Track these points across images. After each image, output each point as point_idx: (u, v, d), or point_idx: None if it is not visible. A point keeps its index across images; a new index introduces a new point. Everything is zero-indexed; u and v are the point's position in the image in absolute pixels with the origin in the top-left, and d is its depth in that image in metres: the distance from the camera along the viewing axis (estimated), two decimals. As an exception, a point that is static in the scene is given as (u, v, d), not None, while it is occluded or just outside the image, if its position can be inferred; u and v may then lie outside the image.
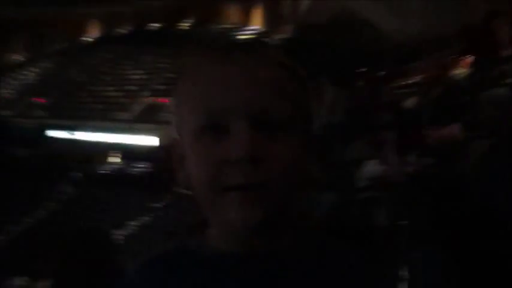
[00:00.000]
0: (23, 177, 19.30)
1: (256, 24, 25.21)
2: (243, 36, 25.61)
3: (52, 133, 21.97)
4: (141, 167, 17.79)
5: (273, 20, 23.61)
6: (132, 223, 14.16)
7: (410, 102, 5.38)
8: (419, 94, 6.17)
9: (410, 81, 7.97)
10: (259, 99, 0.52)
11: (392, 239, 1.82)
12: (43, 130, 22.43)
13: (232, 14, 26.50)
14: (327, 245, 0.64)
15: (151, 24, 30.03)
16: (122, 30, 31.46)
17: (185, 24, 29.20)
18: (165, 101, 18.07)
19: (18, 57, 34.04)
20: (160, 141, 15.66)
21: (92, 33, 32.66)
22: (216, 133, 0.52)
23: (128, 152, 18.48)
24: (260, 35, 24.50)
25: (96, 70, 27.89)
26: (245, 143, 0.50)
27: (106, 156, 19.68)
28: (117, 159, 20.01)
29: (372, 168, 3.66)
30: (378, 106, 5.22)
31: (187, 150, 0.55)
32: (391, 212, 2.13)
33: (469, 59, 6.43)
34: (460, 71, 6.40)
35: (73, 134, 21.23)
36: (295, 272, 0.57)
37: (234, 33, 26.19)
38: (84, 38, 32.35)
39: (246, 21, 25.73)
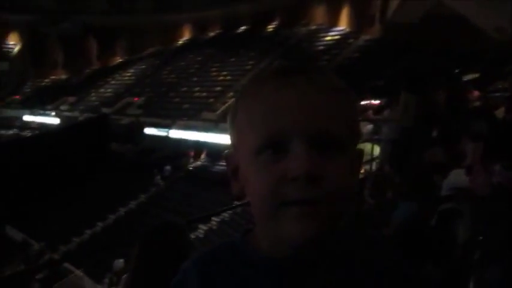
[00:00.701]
0: (121, 170, 20.97)
1: (343, 25, 24.73)
2: (329, 37, 25.28)
3: (147, 130, 23.49)
4: (224, 165, 18.28)
5: (360, 20, 22.99)
6: (214, 218, 14.70)
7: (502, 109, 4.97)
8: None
9: (506, 86, 7.25)
10: (317, 121, 0.56)
11: (467, 253, 1.75)
12: (138, 127, 24.09)
13: (319, 15, 26.24)
14: (374, 253, 0.64)
15: (239, 28, 30.95)
16: (211, 34, 32.84)
17: (271, 27, 29.63)
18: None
19: (119, 60, 37.16)
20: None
21: (183, 37, 34.54)
22: (275, 151, 0.56)
23: (213, 150, 19.16)
24: (347, 35, 23.99)
25: (185, 72, 29.39)
26: (304, 162, 0.54)
27: (194, 153, 20.60)
28: (203, 156, 20.90)
29: (456, 178, 3.48)
30: (466, 111, 4.89)
31: (245, 164, 0.59)
32: (470, 226, 2.04)
33: None
34: None
35: (164, 132, 22.55)
36: (342, 280, 0.59)
37: (321, 34, 25.95)
38: (176, 42, 34.34)
39: (332, 22, 25.35)
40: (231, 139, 0.63)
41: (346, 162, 0.58)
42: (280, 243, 0.58)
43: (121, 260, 13.44)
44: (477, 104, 6.16)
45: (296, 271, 0.58)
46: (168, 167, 19.90)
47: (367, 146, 7.73)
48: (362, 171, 7.73)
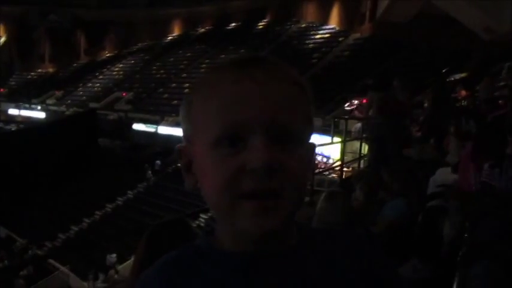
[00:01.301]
0: (109, 166, 20.82)
1: (333, 23, 24.82)
2: (319, 35, 25.35)
3: (135, 126, 23.37)
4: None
5: (350, 18, 23.09)
6: (203, 215, 14.69)
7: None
8: (507, 99, 5.73)
9: (498, 84, 7.31)
10: (277, 114, 0.55)
11: (453, 250, 1.74)
12: (127, 123, 23.94)
13: (310, 13, 26.31)
14: (335, 240, 0.65)
15: (230, 24, 30.88)
16: (201, 30, 32.71)
17: (262, 24, 29.62)
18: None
19: (108, 55, 36.82)
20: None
21: (174, 33, 34.35)
22: (232, 143, 0.55)
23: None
24: (337, 33, 24.08)
25: (175, 67, 29.26)
26: (263, 154, 0.54)
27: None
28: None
29: (443, 175, 3.50)
30: (456, 110, 4.94)
31: (200, 157, 0.58)
32: (456, 223, 2.04)
33: None
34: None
35: (153, 128, 22.44)
36: (304, 270, 0.59)
37: (312, 32, 26.04)
38: (166, 38, 34.13)
39: (323, 20, 25.44)
40: (184, 131, 0.62)
41: (303, 155, 0.58)
42: (240, 238, 0.58)
43: (113, 255, 13.39)
44: (465, 103, 6.22)
45: (261, 265, 0.58)
46: (158, 162, 19.87)
47: (355, 144, 7.77)
48: (349, 169, 7.78)
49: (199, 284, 0.58)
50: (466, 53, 14.76)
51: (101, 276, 12.76)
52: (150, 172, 19.40)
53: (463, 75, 10.63)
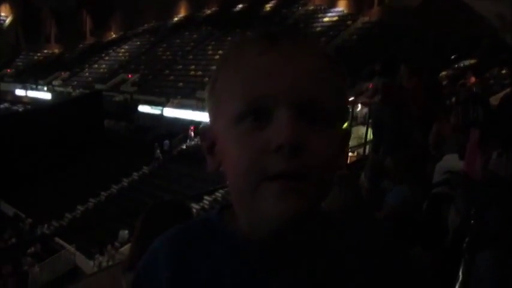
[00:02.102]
0: (114, 148, 20.92)
1: (341, 7, 24.45)
2: (327, 18, 25.01)
3: (140, 108, 23.37)
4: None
5: (359, 2, 22.72)
6: (207, 197, 14.78)
7: (501, 96, 4.95)
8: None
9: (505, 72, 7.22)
10: (306, 87, 0.50)
11: (458, 237, 1.75)
12: (132, 105, 23.95)
13: (317, -5, 25.92)
14: (356, 237, 0.59)
15: (237, 6, 30.51)
16: (208, 11, 32.38)
17: (269, 6, 29.25)
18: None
19: (114, 36, 36.64)
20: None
21: (180, 14, 34.04)
22: (257, 120, 0.50)
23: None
24: (345, 17, 23.75)
25: (180, 49, 29.08)
26: (289, 130, 0.48)
27: (194, 130, 20.49)
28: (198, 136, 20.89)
29: (450, 162, 3.48)
30: (462, 97, 4.89)
31: (223, 135, 0.54)
32: (461, 210, 2.03)
33: None
34: None
35: (158, 110, 22.43)
36: (322, 264, 0.55)
37: (319, 15, 25.69)
38: (172, 19, 33.83)
39: (331, 3, 25.06)
40: (209, 111, 0.57)
41: (334, 137, 0.52)
42: (259, 223, 0.53)
43: (126, 231, 13.56)
44: (474, 89, 6.15)
45: (277, 255, 0.54)
46: (167, 141, 19.95)
47: (360, 130, 7.74)
48: (355, 154, 7.77)
49: (210, 267, 0.55)
50: (476, 40, 14.54)
51: (106, 255, 12.95)
52: (158, 151, 19.53)
53: (472, 61, 10.49)
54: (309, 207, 0.51)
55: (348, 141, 0.59)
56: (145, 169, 19.44)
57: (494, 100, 4.81)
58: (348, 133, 0.59)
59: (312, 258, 0.55)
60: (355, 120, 7.58)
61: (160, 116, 22.10)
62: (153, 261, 0.59)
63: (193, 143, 19.50)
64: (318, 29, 24.30)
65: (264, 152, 0.50)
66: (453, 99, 5.51)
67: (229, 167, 0.53)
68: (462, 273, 1.36)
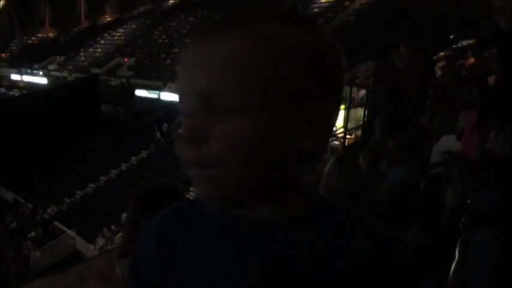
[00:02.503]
0: (112, 132, 20.88)
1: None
2: (316, 6, 24.70)
3: (137, 92, 23.26)
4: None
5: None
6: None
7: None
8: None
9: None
10: (209, 79, 0.50)
11: (455, 217, 1.76)
12: (129, 89, 23.83)
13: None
14: (335, 216, 0.57)
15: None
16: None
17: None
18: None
19: (109, 19, 36.18)
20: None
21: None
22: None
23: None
24: (336, 3, 23.46)
25: (177, 33, 28.79)
26: (187, 122, 0.52)
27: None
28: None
29: (447, 142, 3.49)
30: (461, 78, 4.87)
31: None
32: (458, 190, 2.04)
33: None
34: None
35: (155, 94, 22.34)
36: (296, 244, 0.54)
37: (308, 3, 25.36)
38: (168, 1, 33.40)
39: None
40: None
41: (249, 124, 0.50)
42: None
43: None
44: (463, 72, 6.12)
45: (247, 231, 0.54)
46: (165, 124, 19.99)
47: (358, 112, 7.72)
48: (352, 136, 7.77)
49: (189, 237, 0.57)
50: (475, 20, 14.41)
51: (104, 239, 13.06)
52: (158, 134, 19.55)
53: (470, 41, 10.41)
54: (229, 193, 0.52)
55: (320, 118, 0.53)
56: (143, 153, 19.46)
57: (493, 80, 4.79)
58: (315, 109, 0.53)
59: (290, 235, 0.54)
60: (352, 102, 7.55)
61: (158, 100, 22.02)
62: (146, 235, 0.61)
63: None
64: (316, 10, 24.06)
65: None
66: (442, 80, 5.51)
67: None
68: (458, 252, 1.38)
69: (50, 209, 16.14)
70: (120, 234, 12.67)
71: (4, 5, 36.10)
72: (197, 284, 0.55)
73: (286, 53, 0.51)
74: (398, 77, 5.26)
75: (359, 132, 7.41)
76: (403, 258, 0.56)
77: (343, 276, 0.53)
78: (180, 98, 0.54)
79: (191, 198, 0.67)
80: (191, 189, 14.29)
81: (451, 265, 1.36)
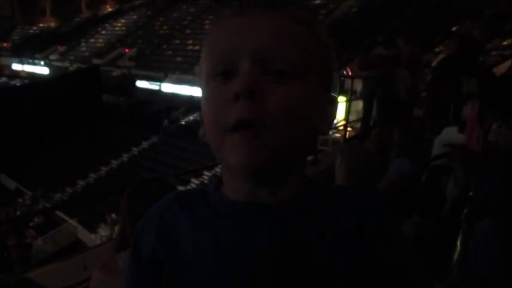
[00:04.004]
0: (114, 122, 20.88)
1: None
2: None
3: (138, 83, 23.19)
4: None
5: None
6: (206, 172, 14.86)
7: (503, 67, 4.91)
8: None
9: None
10: (269, 44, 0.53)
11: (457, 209, 1.76)
12: (130, 79, 23.76)
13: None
14: (337, 198, 0.59)
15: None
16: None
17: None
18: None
19: (110, 9, 35.99)
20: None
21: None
22: (226, 76, 0.54)
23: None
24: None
25: (178, 23, 28.62)
26: (245, 78, 0.52)
27: (186, 108, 20.48)
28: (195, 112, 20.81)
29: (449, 134, 3.49)
30: (464, 67, 4.84)
31: (201, 97, 0.58)
32: (460, 182, 2.05)
33: None
34: None
35: (156, 85, 22.27)
36: (298, 227, 0.55)
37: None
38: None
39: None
40: (198, 77, 0.61)
41: (299, 90, 0.54)
42: (233, 182, 0.57)
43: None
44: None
45: (251, 215, 0.55)
46: (175, 112, 20.09)
47: (360, 104, 7.70)
48: (350, 129, 7.76)
49: (191, 226, 0.58)
50: (478, 11, 14.30)
51: (105, 228, 13.13)
52: (166, 121, 19.58)
53: (474, 33, 10.32)
54: (271, 157, 0.52)
55: (332, 107, 0.60)
56: (144, 144, 19.48)
57: (496, 71, 4.78)
58: (333, 99, 0.60)
59: (293, 220, 0.56)
60: (354, 95, 7.53)
61: (159, 91, 21.96)
62: (148, 220, 0.62)
63: (192, 118, 19.47)
64: (317, 1, 23.87)
65: (226, 104, 0.53)
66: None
67: (204, 123, 0.57)
68: (460, 243, 1.39)
69: (51, 198, 16.20)
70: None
71: (5, -6, 35.93)
72: (202, 267, 0.56)
73: (322, 42, 0.58)
74: (383, 63, 5.28)
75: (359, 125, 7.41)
76: (396, 234, 0.59)
77: (343, 253, 0.55)
78: (227, 55, 0.55)
79: (198, 188, 0.65)
80: (199, 179, 14.32)
81: (452, 256, 1.36)
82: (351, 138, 6.70)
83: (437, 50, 8.18)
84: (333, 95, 0.61)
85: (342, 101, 7.98)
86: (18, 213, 14.60)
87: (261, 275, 0.54)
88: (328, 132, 0.60)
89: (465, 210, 1.60)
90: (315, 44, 0.57)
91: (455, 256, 1.38)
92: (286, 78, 0.53)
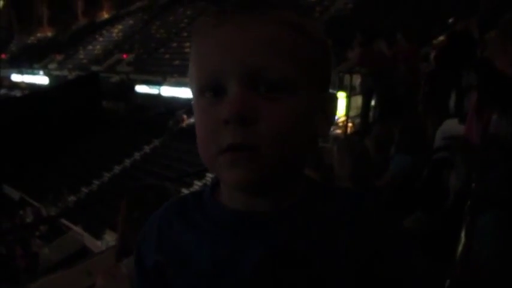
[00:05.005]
0: (114, 128, 20.90)
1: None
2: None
3: (138, 88, 23.21)
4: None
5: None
6: (209, 174, 14.89)
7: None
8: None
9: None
10: (254, 57, 0.50)
11: (460, 201, 1.76)
12: (129, 85, 23.79)
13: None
14: (338, 200, 0.58)
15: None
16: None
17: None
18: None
19: (106, 16, 36.00)
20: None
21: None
22: (215, 94, 0.52)
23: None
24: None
25: (175, 27, 28.64)
26: (235, 103, 0.49)
27: (185, 111, 20.50)
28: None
29: (450, 127, 3.48)
30: (463, 60, 4.83)
31: (193, 110, 0.56)
32: (462, 174, 2.04)
33: None
34: None
35: (156, 89, 22.28)
36: (296, 235, 0.54)
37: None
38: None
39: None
40: (190, 87, 0.59)
41: (295, 104, 0.51)
42: (231, 193, 0.56)
43: None
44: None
45: (248, 224, 0.55)
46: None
47: (359, 100, 7.69)
48: (350, 125, 7.74)
49: (189, 233, 0.58)
50: (474, 3, 14.26)
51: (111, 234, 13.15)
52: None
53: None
54: (263, 176, 0.51)
55: (332, 105, 0.58)
56: (146, 148, 19.49)
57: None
58: (332, 96, 0.58)
59: (290, 226, 0.55)
60: (354, 90, 7.52)
61: (158, 95, 21.97)
62: (148, 230, 0.62)
63: (192, 120, 19.49)
64: (313, -1, 23.82)
65: (217, 127, 0.51)
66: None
67: (197, 139, 0.56)
68: (464, 235, 1.38)
69: (55, 206, 16.22)
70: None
71: (4, 5, 35.99)
72: (199, 275, 0.56)
73: (317, 41, 0.55)
74: (383, 61, 5.29)
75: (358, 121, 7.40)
76: (398, 235, 0.59)
77: (340, 259, 0.54)
78: (213, 75, 0.52)
79: (194, 192, 0.64)
80: (204, 181, 14.33)
81: (456, 249, 1.36)
82: (351, 134, 6.70)
83: (434, 42, 8.15)
84: (332, 92, 0.59)
85: (341, 97, 7.98)
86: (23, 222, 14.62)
87: (258, 284, 0.54)
88: (329, 132, 0.58)
89: (468, 203, 1.60)
90: (309, 46, 0.54)
91: (459, 249, 1.38)
92: (280, 93, 0.51)
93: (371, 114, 6.67)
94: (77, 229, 14.28)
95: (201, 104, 0.54)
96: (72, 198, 17.19)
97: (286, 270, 0.54)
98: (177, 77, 22.05)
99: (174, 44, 26.64)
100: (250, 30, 0.51)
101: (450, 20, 13.80)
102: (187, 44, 25.40)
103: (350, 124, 7.35)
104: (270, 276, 0.54)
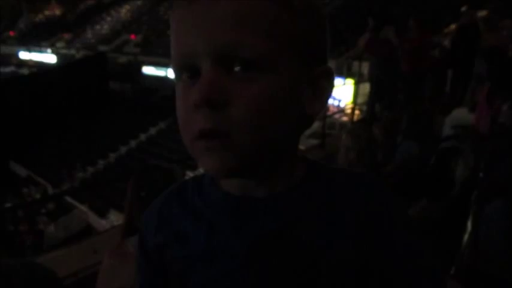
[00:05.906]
0: (121, 109, 20.95)
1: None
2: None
3: (145, 69, 23.16)
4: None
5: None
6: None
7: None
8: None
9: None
10: (224, 34, 0.46)
11: (467, 190, 1.75)
12: (136, 66, 23.73)
13: None
14: (339, 181, 0.56)
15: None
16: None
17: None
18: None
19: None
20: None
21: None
22: (192, 75, 0.49)
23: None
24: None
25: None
26: (204, 84, 0.46)
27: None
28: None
29: (459, 116, 3.46)
30: (471, 49, 4.77)
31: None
32: (470, 163, 2.03)
33: None
34: None
35: (163, 71, 22.23)
36: (293, 217, 0.53)
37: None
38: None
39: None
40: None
41: (272, 84, 0.47)
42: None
43: None
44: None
45: (244, 208, 0.54)
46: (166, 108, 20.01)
47: (367, 87, 7.64)
48: (357, 112, 7.71)
49: (188, 216, 0.57)
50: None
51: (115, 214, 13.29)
52: (154, 117, 19.63)
53: (483, 13, 10.14)
54: (241, 162, 0.48)
55: (324, 80, 0.53)
56: (152, 130, 19.54)
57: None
58: (327, 71, 0.53)
59: (286, 209, 0.54)
60: (362, 77, 7.47)
61: (165, 78, 21.92)
62: (149, 216, 0.62)
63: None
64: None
65: (190, 110, 0.48)
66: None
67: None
68: (471, 224, 1.38)
69: (61, 184, 16.39)
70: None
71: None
72: (198, 259, 0.56)
73: (304, 14, 0.50)
74: (389, 50, 5.24)
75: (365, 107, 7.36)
76: (400, 216, 0.56)
77: (339, 241, 0.53)
78: (187, 57, 0.49)
79: (195, 176, 0.62)
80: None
81: (463, 237, 1.36)
82: (358, 121, 6.68)
83: (446, 31, 8.03)
84: (327, 65, 0.53)
85: (349, 84, 7.93)
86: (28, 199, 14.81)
87: (252, 266, 0.53)
88: (322, 110, 0.53)
89: (475, 192, 1.59)
90: (293, 19, 0.48)
91: (466, 237, 1.38)
92: (257, 72, 0.47)
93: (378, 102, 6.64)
94: (82, 207, 14.46)
95: (179, 85, 0.51)
96: (80, 174, 17.35)
97: (281, 253, 0.53)
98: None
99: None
100: (222, 5, 0.46)
101: (463, 9, 13.58)
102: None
103: (357, 111, 7.31)
104: (265, 260, 0.53)
